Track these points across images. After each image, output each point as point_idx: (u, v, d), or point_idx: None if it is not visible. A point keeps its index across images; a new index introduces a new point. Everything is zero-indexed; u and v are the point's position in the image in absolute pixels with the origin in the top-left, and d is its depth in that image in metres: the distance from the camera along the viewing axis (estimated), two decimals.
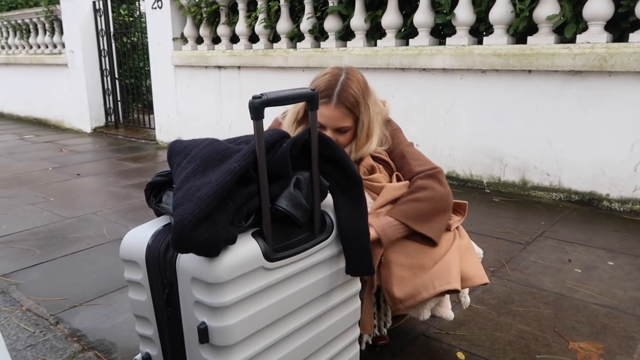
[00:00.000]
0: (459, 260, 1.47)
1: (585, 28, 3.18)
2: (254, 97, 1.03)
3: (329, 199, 1.27)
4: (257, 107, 1.02)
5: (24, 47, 8.10)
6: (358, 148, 1.58)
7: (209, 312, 1.03)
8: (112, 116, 7.13)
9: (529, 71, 3.37)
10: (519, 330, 1.82)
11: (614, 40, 3.16)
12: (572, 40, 3.24)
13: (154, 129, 6.22)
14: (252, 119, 1.03)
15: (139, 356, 1.39)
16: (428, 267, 1.44)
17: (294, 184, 1.15)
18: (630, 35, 3.03)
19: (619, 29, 3.20)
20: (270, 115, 1.41)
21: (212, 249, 0.98)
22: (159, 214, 1.20)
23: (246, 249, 1.06)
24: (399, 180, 1.59)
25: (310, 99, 1.16)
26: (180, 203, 0.98)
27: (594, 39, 3.12)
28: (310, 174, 1.18)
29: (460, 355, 1.67)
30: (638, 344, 1.73)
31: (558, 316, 1.92)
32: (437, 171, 1.56)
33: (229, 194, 1.02)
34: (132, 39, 6.92)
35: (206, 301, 1.02)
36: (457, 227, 1.57)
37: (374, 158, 1.60)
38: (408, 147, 1.64)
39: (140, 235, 1.12)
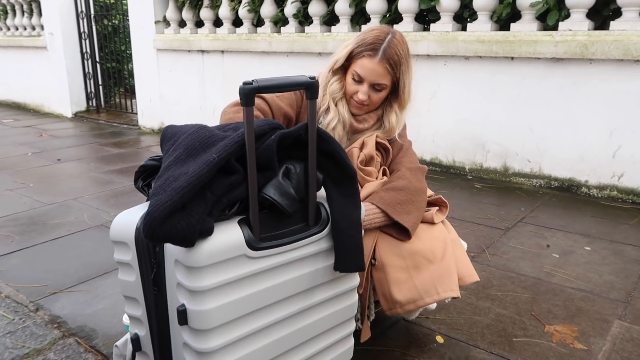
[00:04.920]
0: (455, 263, 1.47)
1: (568, 15, 3.20)
2: (245, 83, 0.99)
3: (321, 191, 1.24)
4: (247, 94, 0.99)
5: (1, 29, 7.89)
6: (402, 107, 1.65)
7: (188, 295, 1.03)
8: (94, 100, 7.01)
9: (512, 58, 3.39)
10: (497, 314, 1.86)
11: (596, 28, 3.18)
12: (555, 28, 3.26)
13: (136, 113, 6.14)
14: (242, 105, 1.01)
15: (119, 342, 1.39)
16: (422, 266, 1.43)
17: (283, 173, 1.12)
18: (611, 23, 3.06)
19: (600, 16, 3.22)
20: None
21: (185, 240, 0.98)
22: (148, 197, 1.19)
23: (229, 236, 1.05)
24: (384, 174, 1.61)
25: (308, 87, 1.09)
26: (156, 193, 0.98)
27: (575, 27, 3.14)
28: (305, 166, 1.15)
29: (439, 339, 1.70)
30: (611, 326, 1.77)
31: (535, 300, 1.95)
32: (418, 167, 1.59)
33: (208, 184, 1.00)
34: (114, 21, 6.78)
35: (185, 284, 1.02)
36: (442, 221, 1.57)
37: (378, 145, 1.61)
38: (408, 144, 1.69)
39: (130, 217, 1.12)
